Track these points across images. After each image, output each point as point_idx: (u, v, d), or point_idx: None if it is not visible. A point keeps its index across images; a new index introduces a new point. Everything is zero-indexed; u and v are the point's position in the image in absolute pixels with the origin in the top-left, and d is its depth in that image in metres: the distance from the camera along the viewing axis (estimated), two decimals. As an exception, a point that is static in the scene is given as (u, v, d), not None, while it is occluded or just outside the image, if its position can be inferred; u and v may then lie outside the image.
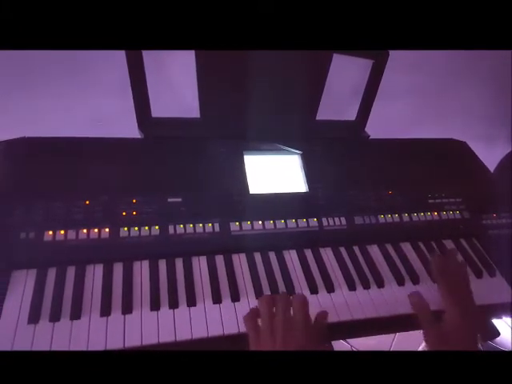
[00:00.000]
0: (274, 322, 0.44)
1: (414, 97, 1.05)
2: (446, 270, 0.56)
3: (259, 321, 0.46)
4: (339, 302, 0.54)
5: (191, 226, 0.57)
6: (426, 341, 0.50)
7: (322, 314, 0.50)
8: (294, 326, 0.43)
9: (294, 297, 0.47)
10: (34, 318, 0.46)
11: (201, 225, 0.57)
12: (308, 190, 0.66)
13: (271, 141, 0.70)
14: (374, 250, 0.63)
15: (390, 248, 0.64)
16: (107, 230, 0.54)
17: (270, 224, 0.60)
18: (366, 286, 0.57)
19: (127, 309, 0.48)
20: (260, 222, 0.60)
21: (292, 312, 0.45)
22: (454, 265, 0.57)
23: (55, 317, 0.46)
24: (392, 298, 0.56)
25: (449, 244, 0.67)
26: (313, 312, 0.52)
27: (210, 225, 0.57)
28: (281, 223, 0.60)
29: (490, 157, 0.90)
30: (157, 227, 0.55)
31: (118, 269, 0.53)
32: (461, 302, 0.50)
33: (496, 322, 0.61)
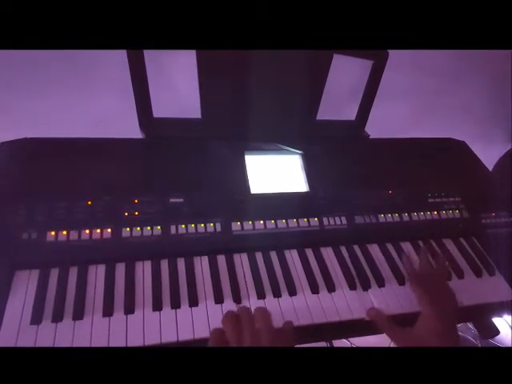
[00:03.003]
0: (241, 337, 0.42)
1: (414, 96, 1.06)
2: (418, 272, 0.56)
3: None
4: (340, 302, 0.55)
5: (193, 225, 0.57)
6: (396, 344, 0.50)
7: (288, 321, 0.50)
8: (261, 336, 0.42)
9: (255, 310, 0.46)
10: (36, 318, 0.46)
11: (202, 225, 0.57)
12: (309, 189, 0.67)
13: (272, 141, 0.71)
14: (375, 250, 0.63)
15: (390, 247, 0.64)
16: (109, 230, 0.54)
17: (271, 224, 0.60)
18: (367, 286, 0.57)
19: (129, 309, 0.49)
20: (261, 222, 0.60)
21: (256, 324, 0.44)
22: (428, 266, 0.57)
23: (58, 317, 0.47)
24: (393, 297, 0.57)
25: (448, 243, 0.67)
26: (315, 311, 0.53)
27: (212, 225, 0.58)
28: (282, 223, 0.61)
29: (489, 156, 0.91)
30: (159, 227, 0.56)
31: (121, 269, 0.53)
32: (436, 303, 0.50)
33: (495, 320, 0.61)
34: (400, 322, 0.52)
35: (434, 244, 0.66)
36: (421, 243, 0.66)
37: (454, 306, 0.53)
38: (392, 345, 0.52)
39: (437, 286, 0.54)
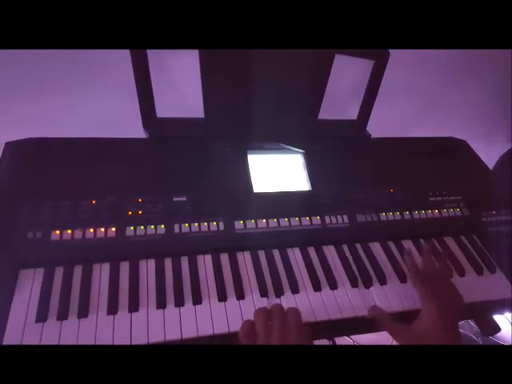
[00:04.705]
0: (271, 334, 0.43)
1: (415, 96, 1.06)
2: (419, 270, 0.56)
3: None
4: (342, 299, 0.55)
5: (196, 224, 0.57)
6: (397, 341, 0.51)
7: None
8: (289, 332, 0.43)
9: (288, 309, 0.47)
10: (41, 316, 0.46)
11: (205, 223, 0.58)
12: (311, 188, 0.67)
13: (274, 140, 0.71)
14: (376, 248, 0.64)
15: (391, 245, 0.64)
16: (113, 229, 0.54)
17: (273, 222, 0.60)
18: (369, 283, 0.58)
19: (134, 307, 0.49)
20: (264, 221, 0.60)
21: (287, 323, 0.45)
22: (430, 263, 0.58)
23: (63, 315, 0.47)
24: (394, 294, 0.57)
25: (449, 241, 0.68)
26: (318, 309, 0.53)
27: (215, 223, 0.58)
28: (284, 221, 0.61)
29: (490, 155, 0.91)
30: (162, 226, 0.56)
31: (125, 267, 0.53)
32: (438, 300, 0.50)
33: (496, 317, 0.61)
34: (402, 320, 0.53)
35: (435, 242, 0.67)
36: (422, 241, 0.66)
37: (457, 303, 0.53)
38: (394, 342, 0.52)
39: (439, 284, 0.54)
